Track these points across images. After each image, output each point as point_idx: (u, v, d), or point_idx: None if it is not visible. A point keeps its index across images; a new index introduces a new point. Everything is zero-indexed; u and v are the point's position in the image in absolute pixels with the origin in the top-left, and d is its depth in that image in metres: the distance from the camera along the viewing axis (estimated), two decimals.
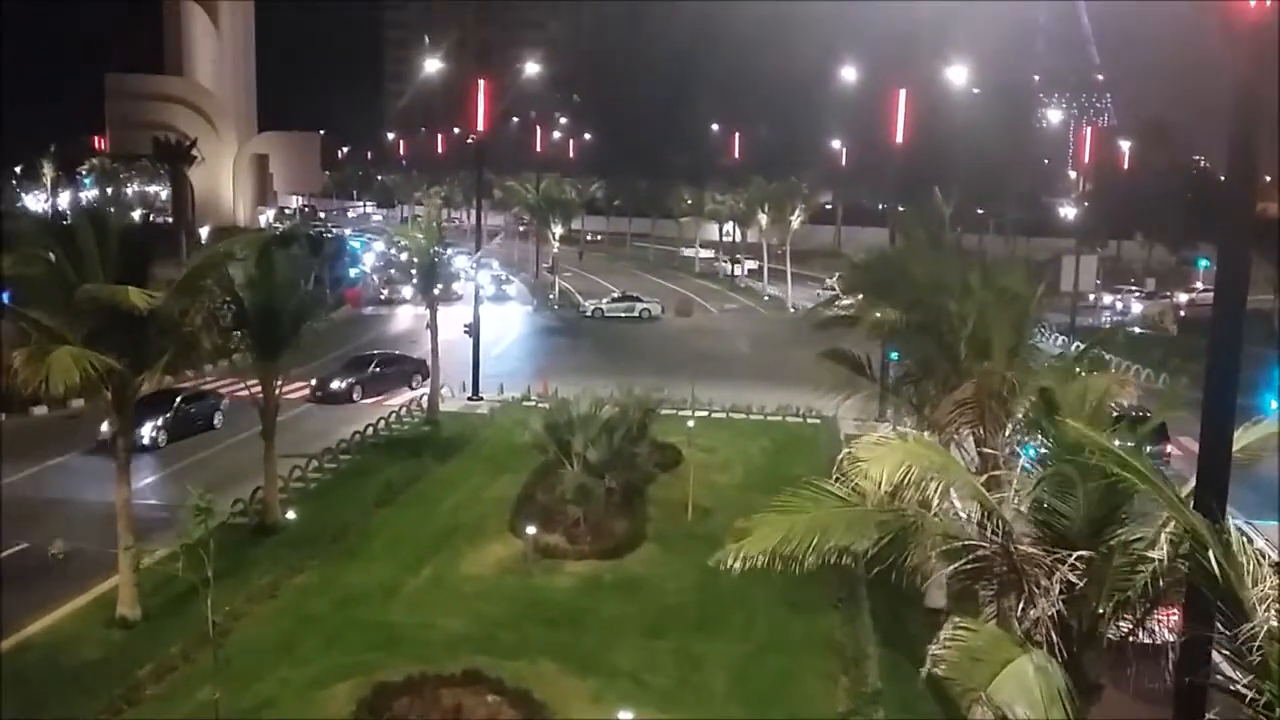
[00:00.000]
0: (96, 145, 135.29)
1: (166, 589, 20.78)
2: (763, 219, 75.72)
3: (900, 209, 56.93)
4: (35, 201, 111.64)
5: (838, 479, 10.51)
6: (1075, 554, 9.84)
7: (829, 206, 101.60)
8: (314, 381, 39.16)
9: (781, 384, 38.97)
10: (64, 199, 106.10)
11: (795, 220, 74.26)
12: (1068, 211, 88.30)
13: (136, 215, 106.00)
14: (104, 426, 28.98)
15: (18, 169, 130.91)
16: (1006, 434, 15.43)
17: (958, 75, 61.57)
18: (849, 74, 78.98)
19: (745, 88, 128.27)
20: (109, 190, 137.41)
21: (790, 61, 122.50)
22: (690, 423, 30.91)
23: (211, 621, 16.57)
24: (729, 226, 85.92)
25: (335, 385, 39.84)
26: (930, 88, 66.00)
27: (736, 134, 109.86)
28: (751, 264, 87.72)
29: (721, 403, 38.59)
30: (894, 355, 25.73)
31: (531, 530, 23.98)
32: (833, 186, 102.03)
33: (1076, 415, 11.08)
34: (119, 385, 20.34)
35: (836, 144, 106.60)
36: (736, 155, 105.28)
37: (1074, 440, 10.11)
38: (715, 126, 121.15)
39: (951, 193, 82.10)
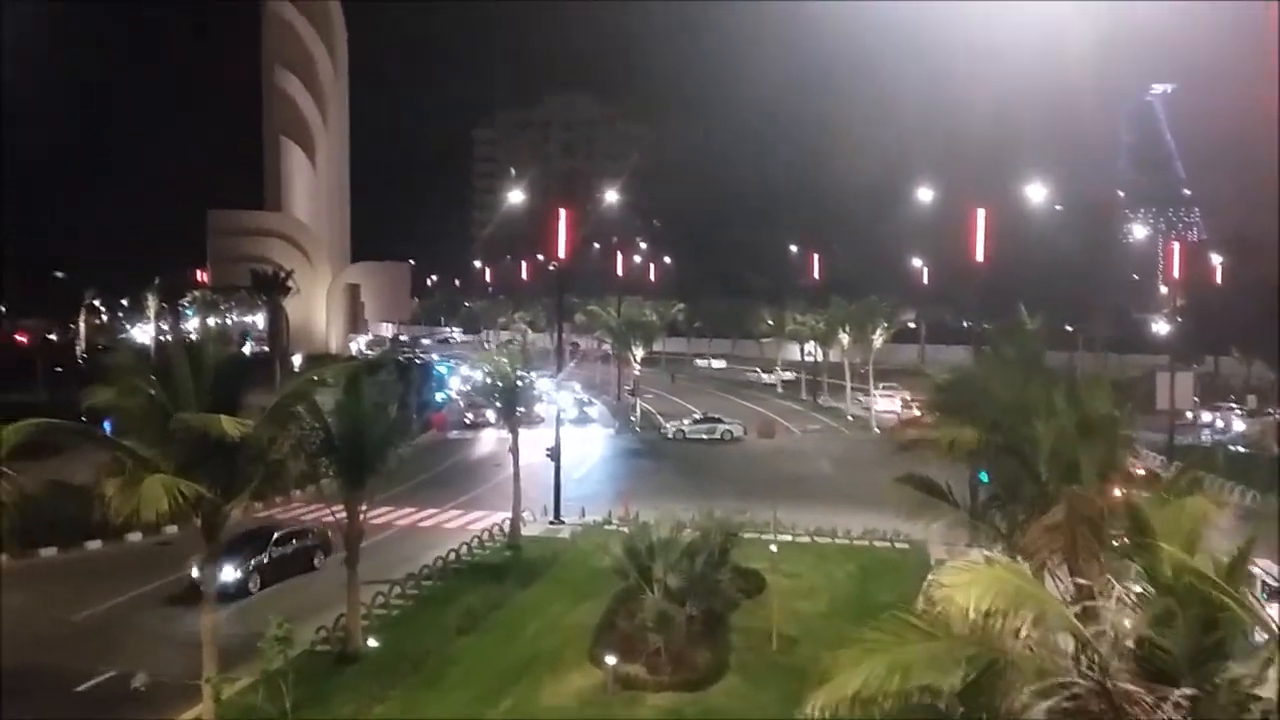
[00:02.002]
0: (198, 278, 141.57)
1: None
2: (844, 338, 75.48)
3: (984, 326, 56.33)
4: (141, 333, 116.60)
5: (924, 608, 10.16)
6: (1178, 691, 9.29)
7: (912, 325, 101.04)
8: (194, 572, 28.16)
9: (867, 507, 38.13)
10: (167, 330, 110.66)
11: (877, 339, 73.86)
12: (1160, 327, 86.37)
13: (235, 345, 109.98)
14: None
15: (125, 302, 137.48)
16: (1101, 561, 14.80)
17: (1038, 193, 61.45)
18: (927, 193, 79.40)
19: (825, 209, 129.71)
20: (209, 321, 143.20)
21: (870, 182, 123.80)
22: (774, 547, 30.37)
23: None
24: (810, 346, 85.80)
25: (227, 574, 29.27)
26: (1012, 205, 65.96)
27: (816, 254, 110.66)
28: (788, 375, 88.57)
29: (805, 526, 37.90)
30: (984, 477, 25.08)
31: (612, 660, 23.53)
32: (915, 305, 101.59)
33: (1171, 540, 10.60)
34: (209, 512, 20.75)
35: (918, 262, 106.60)
36: (816, 275, 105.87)
37: (1171, 568, 9.66)
38: (794, 247, 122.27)
39: (1037, 309, 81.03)
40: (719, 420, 63.94)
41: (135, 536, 35.60)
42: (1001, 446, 19.87)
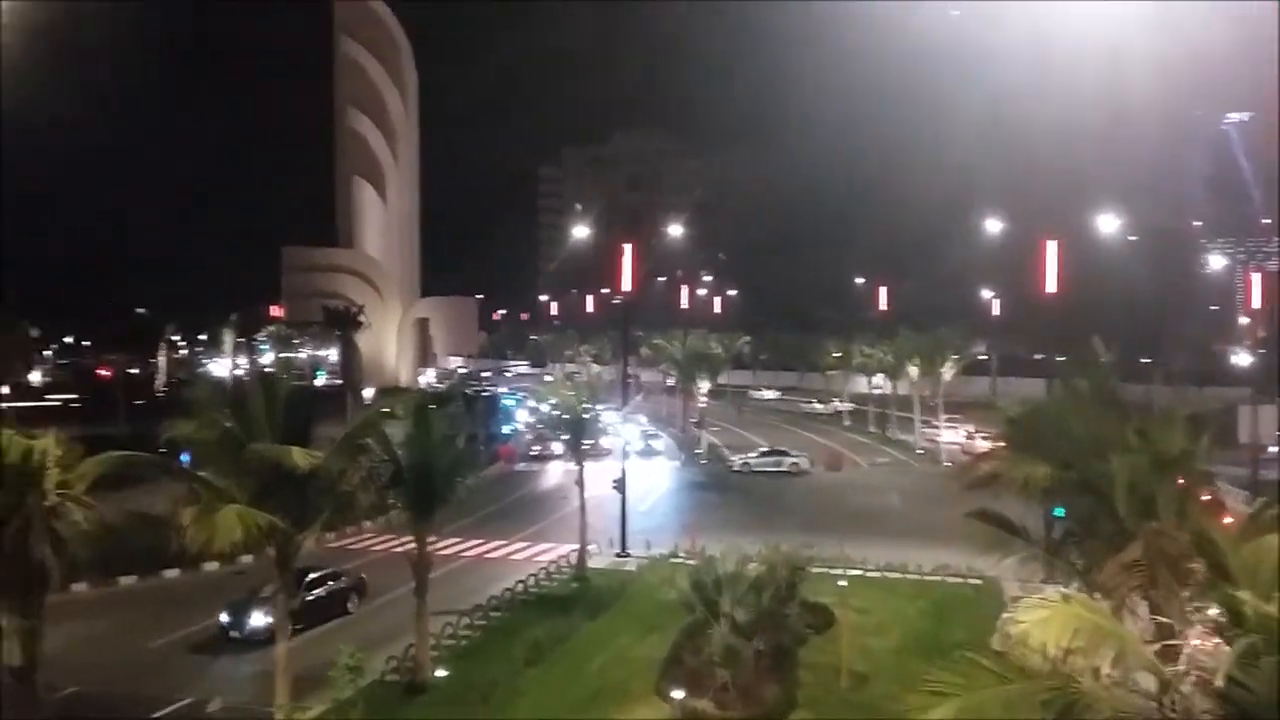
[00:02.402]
0: (273, 313, 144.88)
1: None
2: (913, 371, 74.65)
3: (1057, 359, 55.33)
4: (218, 367, 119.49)
5: (1000, 647, 9.95)
6: None
7: (983, 357, 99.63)
8: (224, 616, 30.19)
9: (938, 542, 37.54)
10: (243, 364, 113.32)
11: (947, 372, 72.91)
12: (1241, 359, 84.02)
13: (308, 378, 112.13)
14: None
15: (203, 337, 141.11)
16: (1181, 598, 14.37)
17: (1110, 222, 60.41)
18: (996, 223, 78.48)
19: (892, 240, 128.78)
20: (283, 355, 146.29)
21: (937, 212, 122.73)
22: (842, 582, 29.96)
23: None
24: (878, 379, 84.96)
25: (257, 620, 29.57)
26: (1084, 234, 64.93)
27: (883, 286, 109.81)
28: (845, 405, 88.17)
29: (875, 561, 37.39)
30: (1059, 512, 24.54)
31: (679, 694, 23.36)
32: (986, 336, 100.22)
33: (1254, 577, 10.27)
34: (281, 542, 21.14)
35: (988, 293, 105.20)
36: (884, 307, 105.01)
37: (1253, 606, 9.37)
38: (861, 279, 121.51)
39: (1112, 341, 79.45)
40: (785, 453, 63.50)
41: (211, 566, 36.30)
42: (1076, 481, 19.43)
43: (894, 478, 60.76)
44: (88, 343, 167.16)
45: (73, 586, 32.63)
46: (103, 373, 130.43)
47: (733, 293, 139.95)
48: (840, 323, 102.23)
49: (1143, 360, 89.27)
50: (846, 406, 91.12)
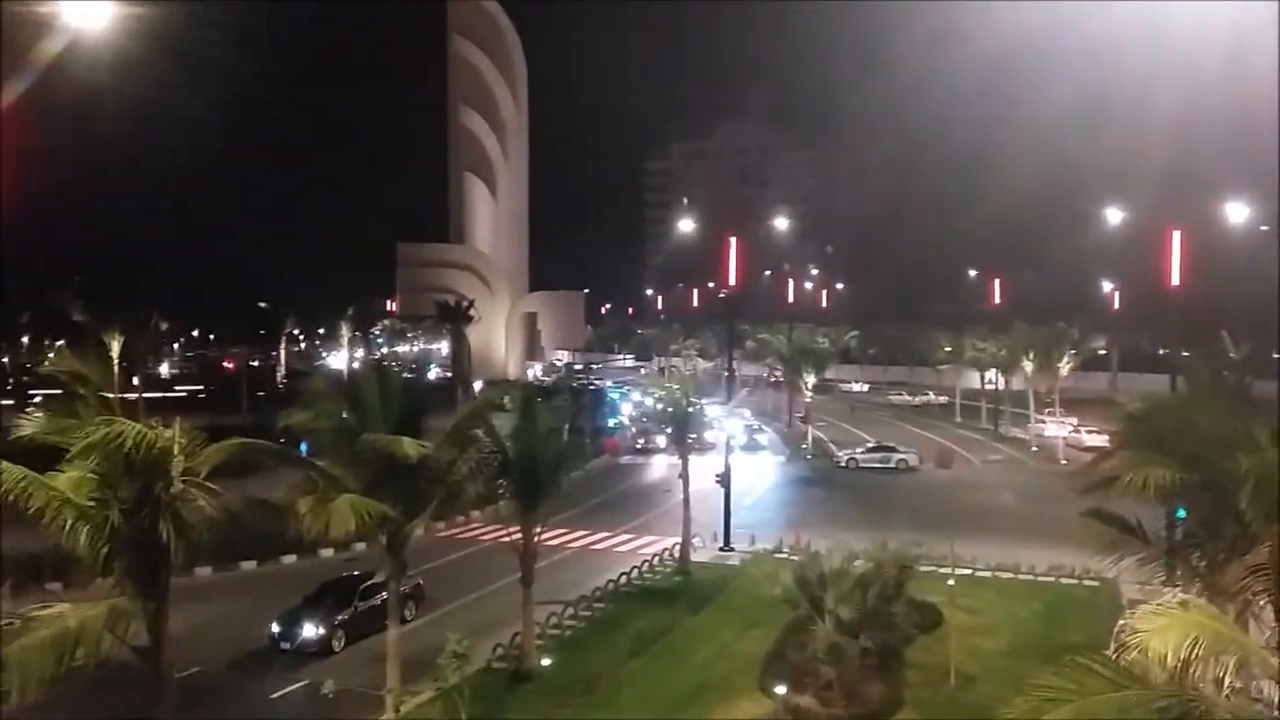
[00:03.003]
0: (388, 307, 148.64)
1: None
2: (1028, 366, 72.64)
3: (1181, 354, 53.11)
4: (335, 359, 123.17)
5: (1116, 652, 9.62)
6: None
7: (1102, 352, 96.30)
8: (274, 627, 28.91)
9: (1053, 542, 36.48)
10: (359, 356, 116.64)
11: (1064, 367, 70.72)
12: None
13: (420, 371, 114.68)
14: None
15: (321, 330, 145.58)
16: None
17: (1240, 212, 57.70)
18: (1116, 213, 75.73)
19: (1006, 231, 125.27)
20: (397, 348, 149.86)
21: (1053, 202, 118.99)
22: (951, 581, 29.37)
23: None
24: (991, 374, 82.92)
25: (308, 631, 28.65)
26: (1211, 224, 62.16)
27: (997, 279, 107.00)
28: (941, 399, 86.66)
29: (986, 561, 36.51)
30: (1181, 513, 23.59)
31: (782, 690, 23.22)
32: (1106, 331, 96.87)
33: None
34: (393, 530, 21.69)
35: (1109, 286, 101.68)
36: (997, 300, 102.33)
37: None
38: (973, 272, 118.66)
39: (1242, 337, 76.00)
40: (893, 449, 62.45)
41: (327, 552, 37.43)
42: (1200, 481, 18.63)
43: (1007, 475, 59.21)
44: (213, 336, 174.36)
45: (196, 570, 34.14)
46: (227, 365, 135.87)
47: (840, 286, 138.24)
48: (952, 316, 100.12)
49: (1276, 356, 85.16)
50: (941, 400, 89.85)
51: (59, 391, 17.37)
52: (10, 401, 62.71)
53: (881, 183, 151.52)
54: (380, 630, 27.61)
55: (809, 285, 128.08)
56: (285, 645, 28.44)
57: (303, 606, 29.53)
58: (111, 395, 17.15)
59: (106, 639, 15.03)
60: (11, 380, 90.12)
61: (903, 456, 61.49)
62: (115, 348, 73.49)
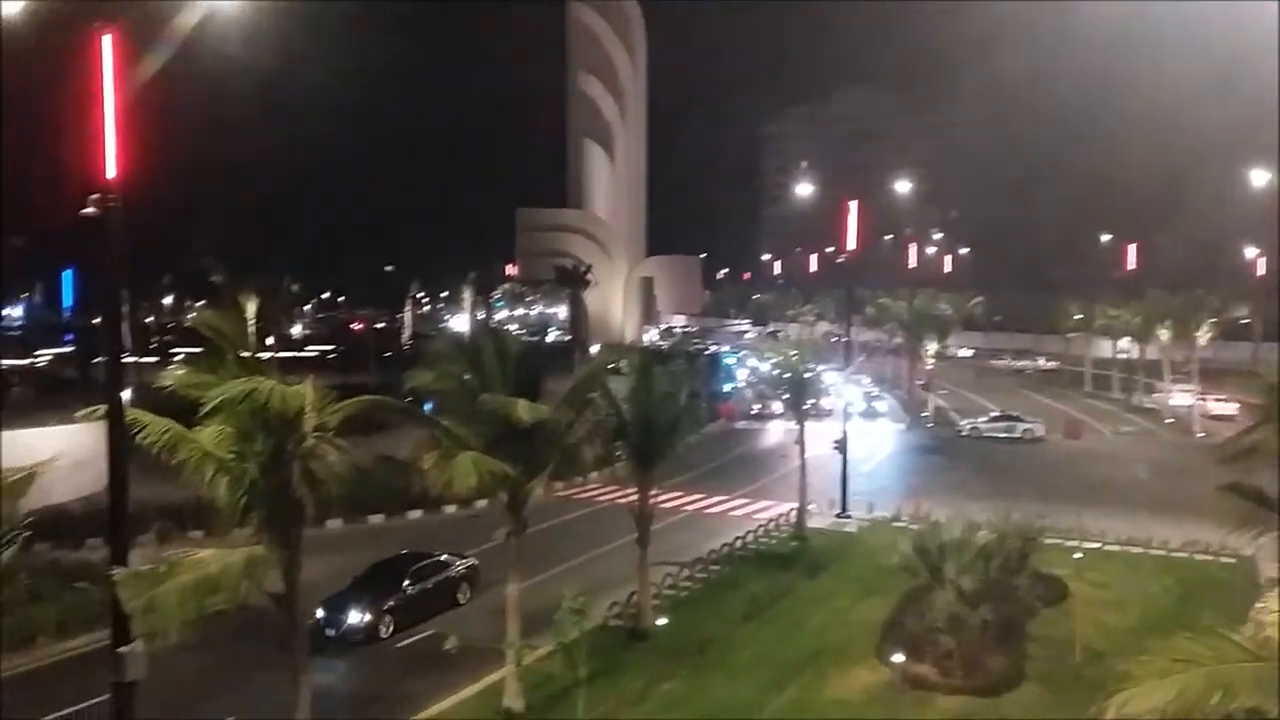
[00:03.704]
0: (508, 271, 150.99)
1: (548, 685, 22.01)
2: (1163, 335, 69.71)
3: None
4: (458, 321, 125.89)
5: (1253, 631, 9.21)
6: None
7: (1245, 321, 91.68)
8: (319, 613, 26.67)
9: (1186, 517, 35.13)
10: (481, 318, 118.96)
11: (1202, 336, 67.64)
12: None
13: (539, 334, 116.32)
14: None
15: (444, 294, 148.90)
16: None
17: None
18: (1261, 176, 71.75)
19: (1140, 194, 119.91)
20: (516, 311, 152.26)
21: (1191, 163, 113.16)
22: (1078, 554, 28.57)
23: None
24: (1124, 343, 79.86)
25: (354, 617, 26.88)
26: None
27: (1131, 244, 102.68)
28: (1051, 364, 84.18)
29: (1115, 535, 35.35)
30: None
31: (899, 658, 23.01)
32: (1249, 299, 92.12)
33: None
34: (513, 488, 22.13)
35: (1252, 253, 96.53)
36: (1131, 267, 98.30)
37: None
38: (1106, 237, 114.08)
39: None
40: (1018, 418, 60.81)
41: (451, 508, 38.42)
42: None
43: (1139, 447, 57.08)
44: (342, 299, 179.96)
45: (327, 523, 35.46)
46: (354, 326, 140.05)
47: (964, 251, 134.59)
48: (1082, 282, 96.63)
49: None
50: (1051, 365, 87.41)
51: (199, 350, 18.10)
52: (154, 359, 65.97)
53: (1009, 145, 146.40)
54: (433, 615, 27.75)
55: (931, 250, 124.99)
56: (330, 633, 26.46)
57: (350, 590, 27.76)
58: (247, 354, 17.79)
59: (244, 585, 15.76)
60: (155, 339, 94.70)
61: (1029, 426, 59.86)
62: (251, 308, 76.41)
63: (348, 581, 28.26)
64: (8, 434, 36.29)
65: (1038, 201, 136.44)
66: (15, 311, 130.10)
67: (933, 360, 72.12)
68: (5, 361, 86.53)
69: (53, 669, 24.37)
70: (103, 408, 15.48)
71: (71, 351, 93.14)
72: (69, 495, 34.14)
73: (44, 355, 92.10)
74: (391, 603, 27.38)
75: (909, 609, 26.22)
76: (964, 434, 60.52)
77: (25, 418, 42.83)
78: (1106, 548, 34.31)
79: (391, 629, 27.10)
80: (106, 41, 14.61)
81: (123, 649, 14.81)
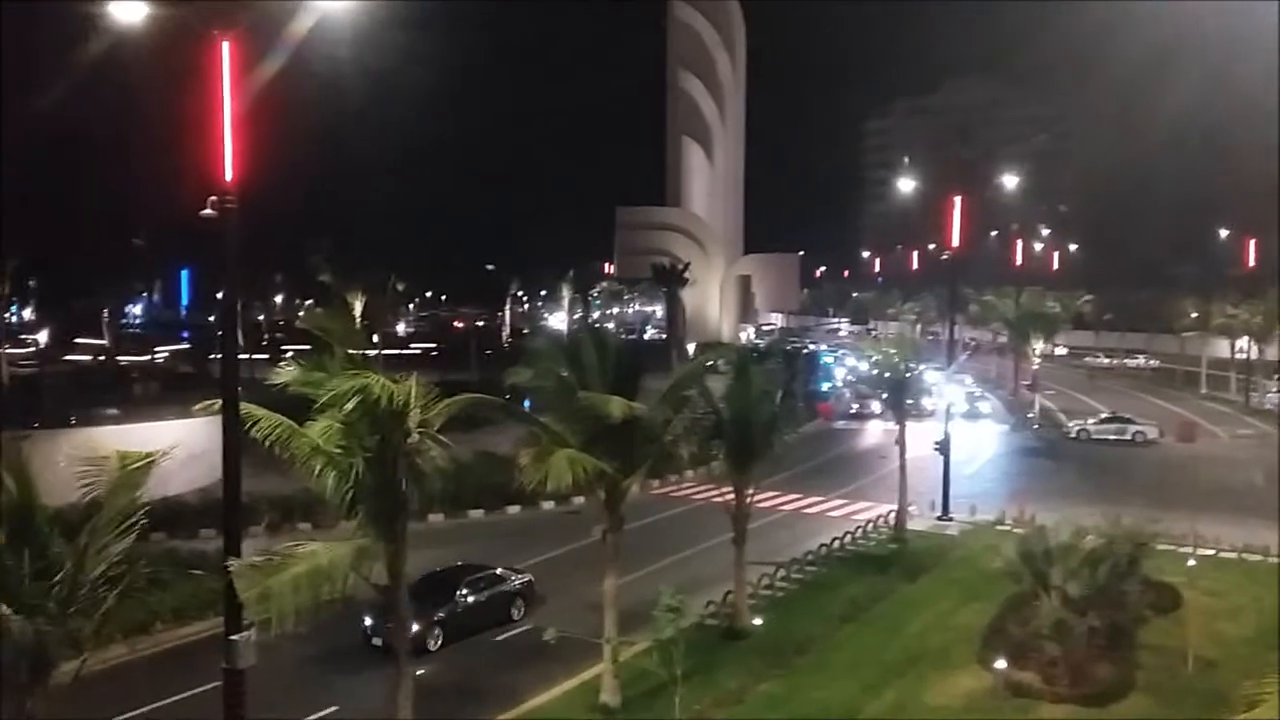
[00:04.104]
0: (606, 270, 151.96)
1: (643, 681, 22.06)
2: None
3: None
4: (556, 320, 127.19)
5: None
6: None
7: None
8: (366, 620, 25.64)
9: None
10: (579, 317, 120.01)
11: None
12: None
13: (636, 332, 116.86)
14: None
15: (543, 292, 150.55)
16: None
17: None
18: None
19: (1261, 190, 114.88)
20: (614, 309, 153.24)
21: None
22: (1192, 561, 27.59)
23: None
24: (1242, 343, 76.64)
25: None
26: None
27: (1251, 240, 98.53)
28: (1151, 361, 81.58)
29: (1231, 542, 33.98)
30: None
31: (1002, 665, 22.51)
32: None
33: None
34: (609, 486, 22.27)
35: None
36: (1251, 264, 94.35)
37: None
38: (1225, 232, 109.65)
39: None
40: (1129, 420, 58.89)
41: (549, 505, 38.85)
42: None
43: (1257, 452, 54.68)
44: (444, 297, 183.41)
45: (430, 517, 36.24)
46: (456, 324, 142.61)
47: (1073, 248, 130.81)
48: (1198, 280, 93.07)
49: None
50: (1152, 363, 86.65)
51: (308, 347, 18.63)
52: (265, 356, 68.17)
53: (1122, 138, 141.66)
54: (486, 629, 26.74)
55: (1039, 247, 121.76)
56: (376, 641, 25.10)
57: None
58: (355, 351, 18.25)
59: (351, 576, 16.19)
60: (266, 336, 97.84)
61: (1140, 429, 57.95)
62: (358, 307, 78.42)
63: None
64: (127, 427, 37.96)
65: (1152, 196, 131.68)
66: (135, 309, 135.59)
67: (1039, 360, 70.25)
68: (125, 358, 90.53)
69: (168, 654, 25.38)
70: (218, 402, 16.06)
71: (188, 348, 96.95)
72: (184, 487, 35.51)
73: (162, 352, 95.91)
74: (442, 614, 26.26)
75: (1012, 615, 25.62)
76: (1072, 436, 58.85)
77: (143, 412, 44.76)
78: (1221, 555, 33.02)
79: (440, 642, 25.99)
80: (225, 48, 15.16)
81: (235, 637, 15.37)
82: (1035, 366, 69.84)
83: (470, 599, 27.17)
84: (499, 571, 28.86)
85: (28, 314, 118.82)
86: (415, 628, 23.45)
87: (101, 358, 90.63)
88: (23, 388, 69.72)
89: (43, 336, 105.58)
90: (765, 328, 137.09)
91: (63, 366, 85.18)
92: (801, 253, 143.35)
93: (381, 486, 17.16)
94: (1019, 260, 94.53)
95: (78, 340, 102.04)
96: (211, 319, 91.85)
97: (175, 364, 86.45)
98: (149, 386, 65.53)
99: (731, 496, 27.82)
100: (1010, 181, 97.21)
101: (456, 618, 26.53)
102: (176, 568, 28.63)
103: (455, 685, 24.05)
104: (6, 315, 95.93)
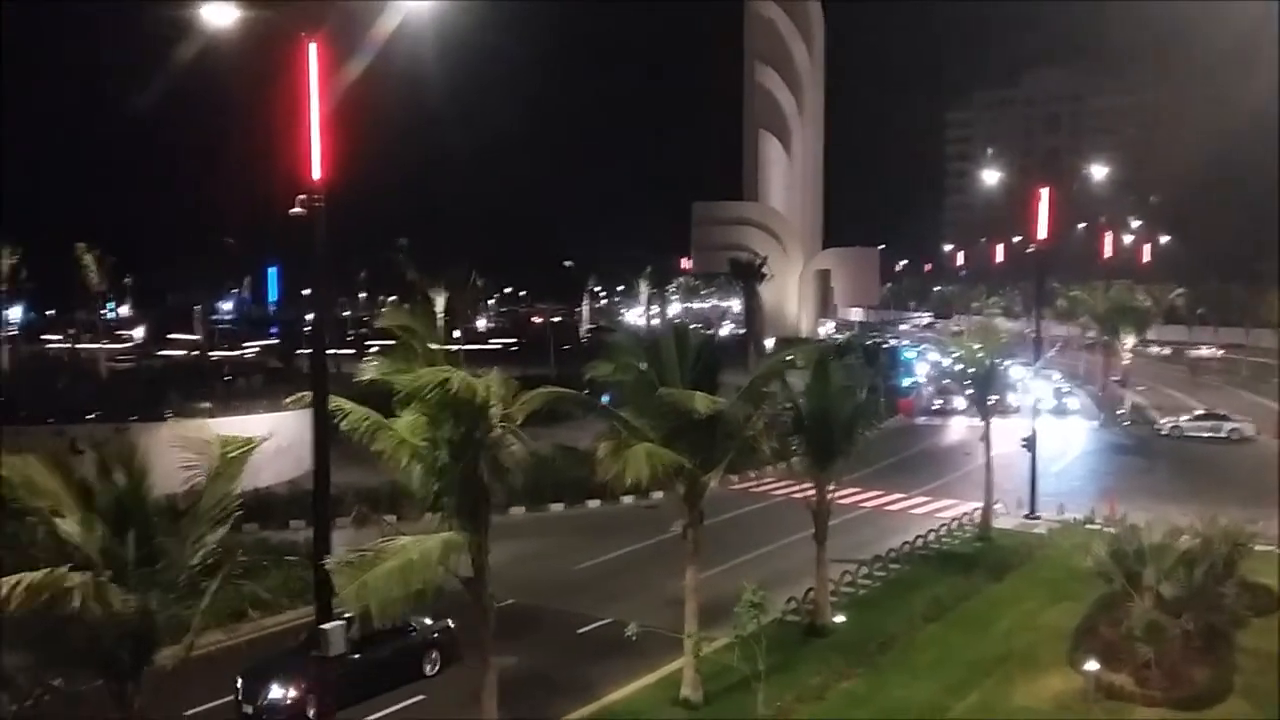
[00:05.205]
0: (683, 265, 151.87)
1: (725, 676, 21.98)
2: None
3: None
4: (633, 315, 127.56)
5: None
6: None
7: None
8: (238, 682, 21.81)
9: None
10: (656, 312, 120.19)
11: None
12: None
13: (714, 328, 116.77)
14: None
15: (620, 287, 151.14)
16: None
17: None
18: None
19: None
20: (691, 305, 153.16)
21: None
22: None
23: (762, 716, 17.13)
24: None
25: (276, 692, 21.31)
26: None
27: None
28: (1207, 351, 78.82)
29: None
30: None
31: (1093, 666, 21.96)
32: None
33: None
34: (689, 481, 22.23)
35: None
36: None
37: None
38: None
39: None
40: (1225, 417, 57.01)
41: (628, 499, 38.95)
42: None
43: None
44: (523, 293, 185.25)
45: (511, 510, 36.60)
46: (534, 320, 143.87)
47: (1165, 240, 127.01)
48: None
49: None
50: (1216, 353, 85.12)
51: (392, 342, 18.92)
52: (350, 351, 69.50)
53: (1216, 127, 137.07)
54: (387, 690, 22.51)
55: (1129, 239, 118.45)
56: (247, 709, 21.54)
57: (278, 657, 22.78)
58: (437, 346, 18.48)
59: (438, 570, 16.41)
60: (351, 332, 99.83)
61: (1236, 425, 56.08)
62: (440, 303, 79.50)
63: (527, 567, 28.92)
64: (220, 420, 38.99)
65: (1247, 186, 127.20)
66: (226, 305, 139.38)
67: (1129, 355, 68.39)
68: (217, 353, 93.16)
69: (260, 642, 26.02)
70: (309, 395, 16.40)
71: (276, 343, 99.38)
72: (274, 479, 36.40)
73: (252, 347, 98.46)
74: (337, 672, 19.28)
75: (1103, 616, 24.98)
76: (1164, 433, 57.23)
77: (234, 406, 45.96)
78: None
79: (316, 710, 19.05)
80: (312, 49, 15.46)
81: (325, 626, 15.69)
82: (1125, 361, 68.02)
83: (367, 655, 22.21)
84: (403, 624, 23.54)
85: (125, 310, 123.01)
86: (292, 691, 21.17)
87: (194, 352, 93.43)
88: (120, 381, 72.22)
89: (139, 332, 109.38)
90: (844, 323, 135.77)
91: (157, 361, 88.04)
92: (882, 246, 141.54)
93: (465, 480, 17.36)
94: (1108, 253, 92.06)
95: (171, 335, 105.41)
96: (298, 315, 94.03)
97: (264, 359, 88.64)
98: (249, 380, 66.94)
99: (812, 493, 27.60)
100: (1099, 172, 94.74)
101: (347, 678, 19.97)
102: (268, 557, 29.38)
103: (540, 675, 24.21)
104: (105, 311, 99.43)
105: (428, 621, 24.42)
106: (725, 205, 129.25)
